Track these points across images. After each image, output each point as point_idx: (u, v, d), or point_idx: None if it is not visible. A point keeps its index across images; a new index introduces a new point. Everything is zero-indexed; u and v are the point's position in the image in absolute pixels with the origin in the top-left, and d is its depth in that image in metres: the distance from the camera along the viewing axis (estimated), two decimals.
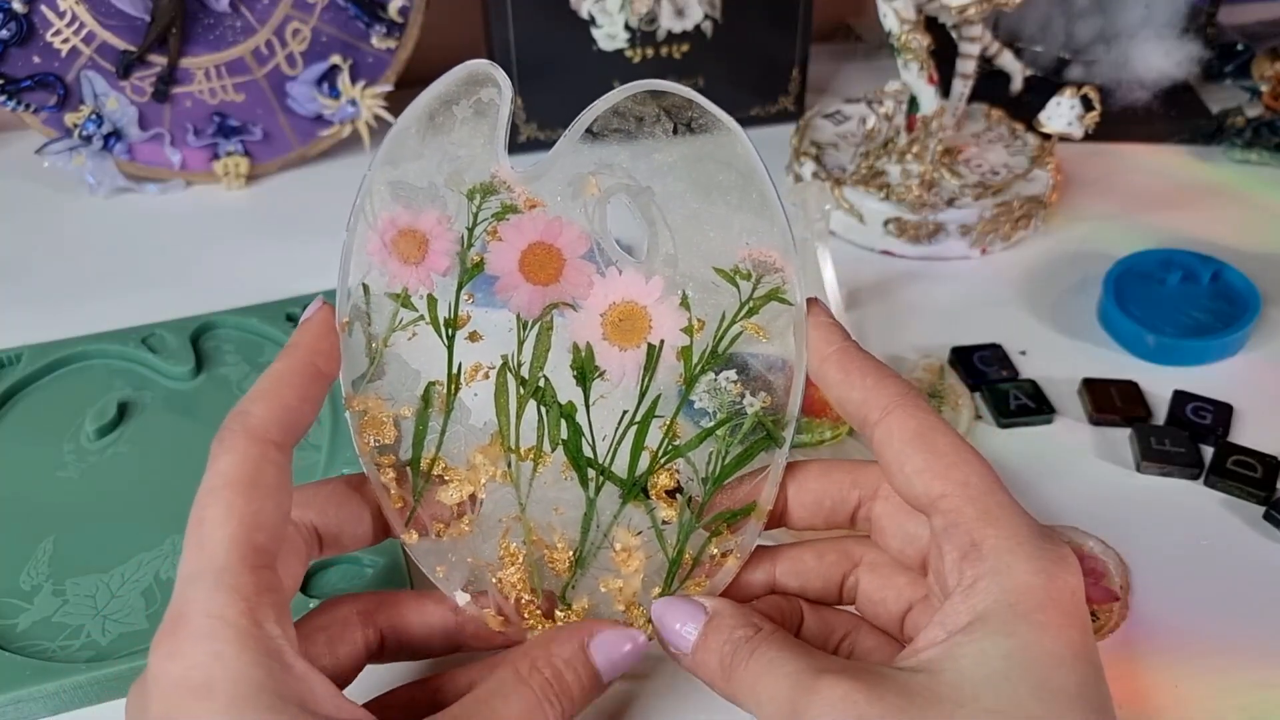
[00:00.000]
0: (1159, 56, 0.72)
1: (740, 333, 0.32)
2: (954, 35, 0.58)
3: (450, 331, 0.33)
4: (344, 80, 0.66)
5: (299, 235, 0.62)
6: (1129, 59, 0.72)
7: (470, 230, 0.32)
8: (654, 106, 0.31)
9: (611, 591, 0.33)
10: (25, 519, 0.43)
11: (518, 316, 0.32)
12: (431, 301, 0.33)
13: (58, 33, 0.61)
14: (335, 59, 0.65)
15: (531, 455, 0.33)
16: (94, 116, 0.64)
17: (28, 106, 0.63)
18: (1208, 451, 0.46)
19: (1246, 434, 0.47)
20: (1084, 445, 0.47)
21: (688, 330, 0.32)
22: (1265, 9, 0.84)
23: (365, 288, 0.33)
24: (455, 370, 0.33)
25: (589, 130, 0.31)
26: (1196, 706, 0.36)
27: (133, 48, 0.62)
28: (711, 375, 0.32)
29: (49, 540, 0.42)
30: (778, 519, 0.34)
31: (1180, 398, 0.49)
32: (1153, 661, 0.38)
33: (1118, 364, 0.52)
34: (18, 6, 0.60)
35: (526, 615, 0.34)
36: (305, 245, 0.61)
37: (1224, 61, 0.76)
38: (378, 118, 0.67)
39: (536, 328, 0.32)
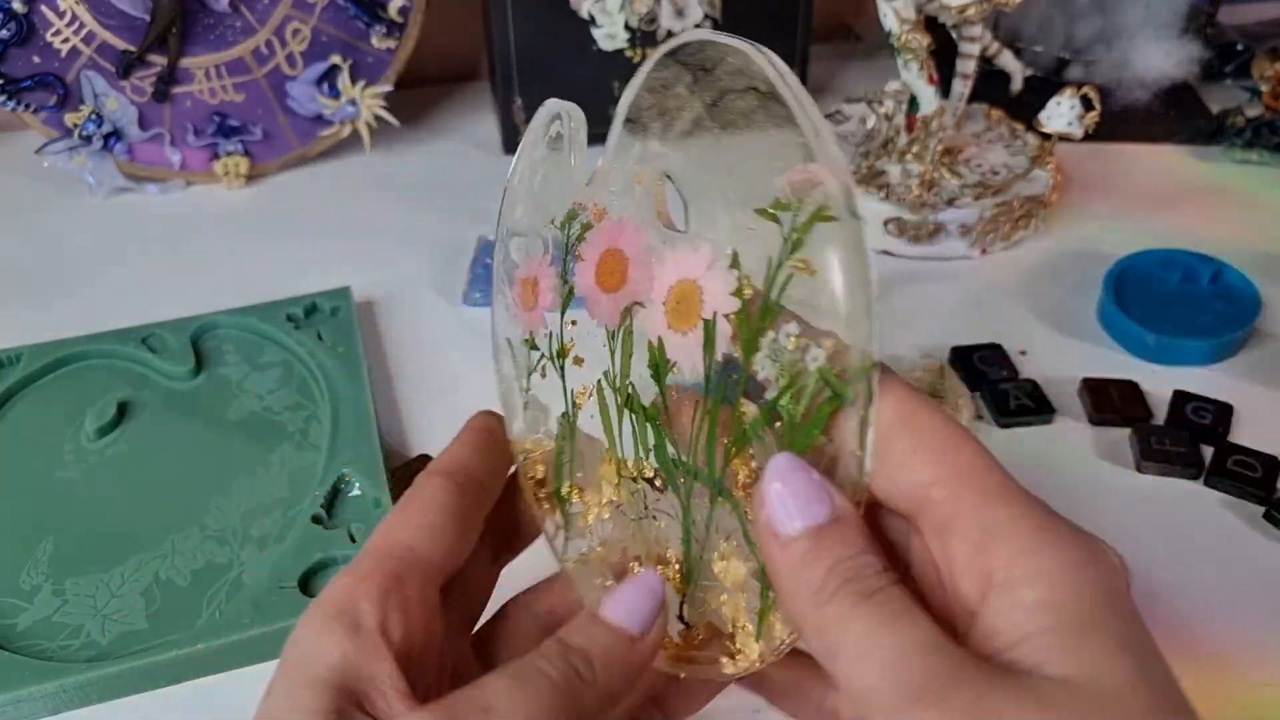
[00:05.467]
0: (1159, 56, 0.72)
1: (790, 276, 0.26)
2: (954, 35, 0.58)
3: (561, 362, 0.33)
4: (344, 80, 0.66)
5: (299, 235, 0.62)
6: (1129, 59, 0.72)
7: (564, 260, 0.32)
8: (674, 66, 0.29)
9: (723, 608, 0.30)
10: (25, 519, 0.43)
11: (605, 329, 0.31)
12: (551, 339, 0.33)
13: (58, 33, 0.61)
14: (335, 59, 0.65)
15: (637, 468, 0.32)
16: (94, 116, 0.64)
17: (28, 106, 0.63)
18: (1208, 451, 0.46)
19: (1246, 434, 0.47)
20: (1084, 445, 0.47)
21: (738, 292, 0.27)
22: (1265, 9, 0.84)
23: (509, 341, 0.34)
24: (571, 397, 0.33)
25: (628, 119, 0.30)
26: (1196, 706, 0.36)
27: (133, 48, 0.62)
28: (771, 335, 0.27)
29: (49, 540, 0.42)
30: None
31: (1180, 398, 0.48)
32: None
33: (1118, 364, 0.51)
34: (18, 6, 0.60)
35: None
36: (305, 245, 0.61)
37: (1224, 61, 0.76)
38: (378, 117, 0.67)
39: (620, 335, 0.31)
